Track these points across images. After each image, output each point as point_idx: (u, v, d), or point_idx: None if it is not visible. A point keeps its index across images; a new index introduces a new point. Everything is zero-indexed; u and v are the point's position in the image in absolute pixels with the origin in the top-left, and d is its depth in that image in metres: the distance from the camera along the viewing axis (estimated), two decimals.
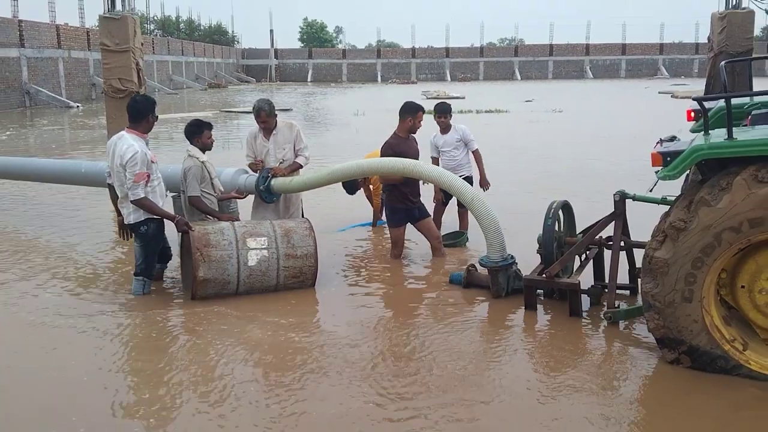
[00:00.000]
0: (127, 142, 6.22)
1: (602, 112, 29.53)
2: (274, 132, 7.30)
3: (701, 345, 4.60)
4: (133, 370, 4.94)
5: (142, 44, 11.18)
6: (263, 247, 6.29)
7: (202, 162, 6.83)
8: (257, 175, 7.21)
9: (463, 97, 37.66)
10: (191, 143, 7.05)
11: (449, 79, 69.14)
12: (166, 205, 6.66)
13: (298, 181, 7.28)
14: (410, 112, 7.47)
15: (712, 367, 4.60)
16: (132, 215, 6.29)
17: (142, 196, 6.14)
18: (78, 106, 35.98)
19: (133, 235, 6.48)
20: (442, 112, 8.35)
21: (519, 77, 69.44)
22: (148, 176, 6.21)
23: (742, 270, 4.58)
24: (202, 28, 76.50)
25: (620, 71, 70.36)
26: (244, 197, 7.42)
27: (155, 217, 6.29)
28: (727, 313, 4.71)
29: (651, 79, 63.56)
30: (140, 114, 6.37)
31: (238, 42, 79.13)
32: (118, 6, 11.71)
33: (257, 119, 7.26)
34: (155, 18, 71.37)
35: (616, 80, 65.72)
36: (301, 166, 7.38)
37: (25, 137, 23.04)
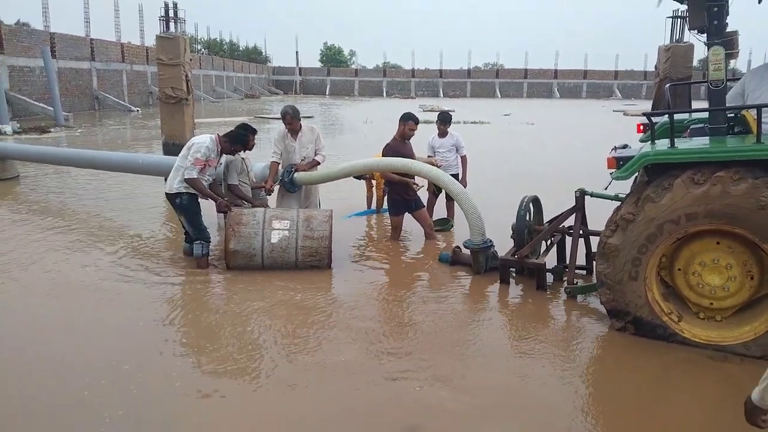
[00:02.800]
0: (207, 138, 6.32)
1: (567, 125, 29.34)
2: (299, 134, 7.27)
3: (644, 316, 4.59)
4: (178, 322, 4.95)
5: (190, 60, 11.13)
6: (285, 228, 6.27)
7: (242, 158, 6.88)
8: (282, 169, 7.20)
9: (453, 111, 37.27)
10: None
11: (442, 95, 68.71)
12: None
13: (317, 175, 7.26)
14: (402, 120, 7.46)
15: (652, 335, 4.59)
16: (175, 185, 6.23)
17: (196, 177, 6.14)
18: (138, 110, 35.81)
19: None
20: (444, 120, 8.34)
21: (499, 95, 68.95)
22: (205, 166, 6.21)
23: (679, 256, 4.55)
24: (240, 48, 76.13)
25: (582, 92, 69.86)
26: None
27: (191, 192, 6.21)
28: (666, 290, 4.69)
29: (607, 99, 63.18)
30: (234, 138, 6.46)
31: (270, 61, 78.63)
32: (172, 28, 11.65)
33: (284, 121, 7.21)
34: (202, 39, 71.15)
35: (579, 100, 65.28)
36: (319, 163, 7.34)
37: (94, 134, 22.95)
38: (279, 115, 7.70)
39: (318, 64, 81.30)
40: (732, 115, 4.98)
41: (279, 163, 7.24)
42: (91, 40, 36.76)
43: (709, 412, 3.75)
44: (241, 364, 4.22)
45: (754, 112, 4.41)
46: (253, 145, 6.97)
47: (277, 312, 5.17)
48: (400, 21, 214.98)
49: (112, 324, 4.88)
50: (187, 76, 10.66)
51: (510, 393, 3.91)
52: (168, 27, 11.51)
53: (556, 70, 71.96)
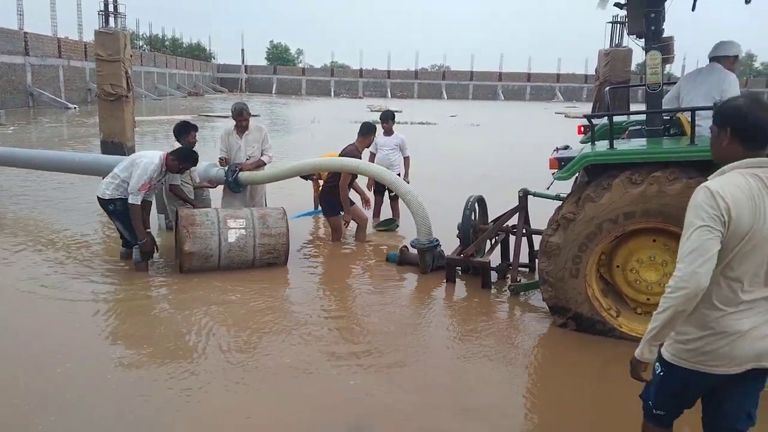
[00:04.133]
0: (156, 158, 5.94)
1: (510, 127, 29.93)
2: (246, 132, 7.13)
3: (584, 312, 4.70)
4: (118, 327, 4.77)
5: (131, 56, 10.79)
6: (242, 227, 6.15)
7: None
8: (226, 168, 7.04)
9: (401, 111, 37.52)
10: (178, 141, 6.86)
11: (390, 96, 68.94)
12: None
13: (263, 175, 7.13)
14: (364, 133, 7.41)
15: (592, 330, 4.71)
16: (108, 191, 5.95)
17: (138, 204, 5.83)
18: (75, 108, 34.46)
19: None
20: (386, 118, 8.40)
21: (446, 97, 69.64)
22: (149, 188, 5.95)
23: (618, 253, 4.68)
24: (184, 45, 74.32)
25: (526, 95, 71.34)
26: (215, 187, 7.25)
27: (125, 197, 5.90)
28: (605, 287, 4.82)
29: (549, 102, 64.72)
30: (183, 156, 6.08)
31: (214, 58, 77.00)
32: (111, 23, 11.28)
33: (239, 118, 7.03)
34: (144, 36, 69.04)
35: (522, 102, 66.67)
36: (265, 164, 7.22)
37: (28, 132, 21.95)
38: (224, 114, 7.56)
39: (264, 62, 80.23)
40: (668, 117, 5.17)
41: (226, 160, 7.08)
42: (25, 33, 35.12)
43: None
44: (187, 365, 4.09)
45: (688, 114, 4.59)
46: (195, 142, 6.81)
47: (227, 312, 5.05)
48: (347, 21, 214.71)
49: (47, 329, 4.66)
50: (127, 72, 10.33)
51: (455, 389, 3.94)
52: (107, 22, 11.13)
53: (500, 73, 73.24)
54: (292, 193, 9.51)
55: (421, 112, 37.97)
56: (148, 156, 5.99)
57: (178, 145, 6.82)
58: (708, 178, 2.26)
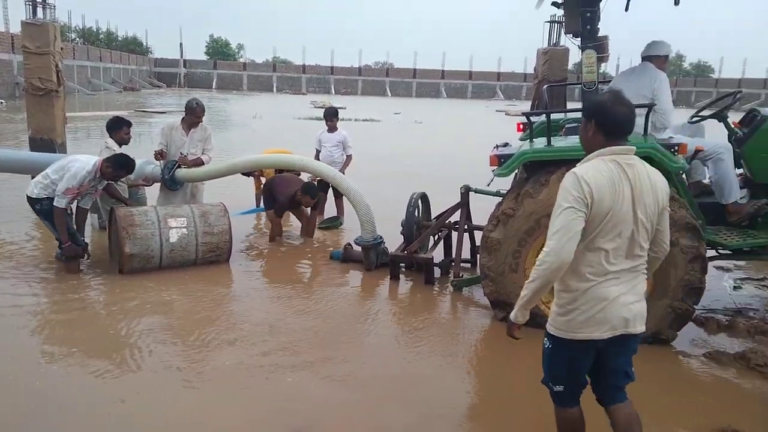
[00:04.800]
0: (89, 164, 5.67)
1: (452, 124, 30.30)
2: (194, 129, 6.94)
3: None
4: (52, 330, 4.57)
5: (62, 49, 10.32)
6: (183, 226, 6.00)
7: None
8: (162, 165, 6.83)
9: (345, 108, 37.41)
10: (110, 137, 6.61)
11: (333, 92, 68.63)
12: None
13: (201, 171, 6.94)
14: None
15: (532, 323, 4.76)
16: (36, 190, 5.69)
17: (64, 207, 5.57)
18: (2, 103, 32.78)
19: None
20: (329, 115, 8.39)
21: (390, 94, 69.82)
22: (77, 194, 5.70)
23: None
24: (119, 39, 71.74)
25: (467, 93, 72.29)
26: (151, 185, 7.02)
27: (52, 198, 5.62)
28: None
29: (490, 100, 65.83)
30: (119, 164, 5.79)
31: (151, 52, 74.67)
32: (40, 14, 10.76)
33: (193, 114, 6.84)
34: (77, 28, 66.28)
35: (464, 100, 67.59)
36: (203, 163, 7.05)
37: None
38: (161, 110, 7.35)
39: (204, 57, 78.39)
40: None
41: (163, 154, 6.81)
42: None
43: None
44: (121, 370, 3.96)
45: None
46: (129, 139, 6.60)
47: (165, 314, 4.91)
48: (290, 17, 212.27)
49: None
50: (57, 66, 9.86)
51: (400, 385, 3.97)
52: (35, 13, 10.59)
53: (443, 71, 74.02)
54: (230, 191, 9.34)
55: (366, 109, 37.98)
56: (82, 161, 5.74)
57: (111, 141, 6.58)
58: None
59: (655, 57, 5.22)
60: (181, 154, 6.78)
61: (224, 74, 71.30)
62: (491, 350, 4.67)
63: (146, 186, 7.08)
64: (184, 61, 71.08)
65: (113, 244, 6.15)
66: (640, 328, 2.62)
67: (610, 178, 2.50)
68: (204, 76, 70.43)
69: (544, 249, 2.52)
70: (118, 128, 6.66)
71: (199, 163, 6.94)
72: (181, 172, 6.80)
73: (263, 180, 8.77)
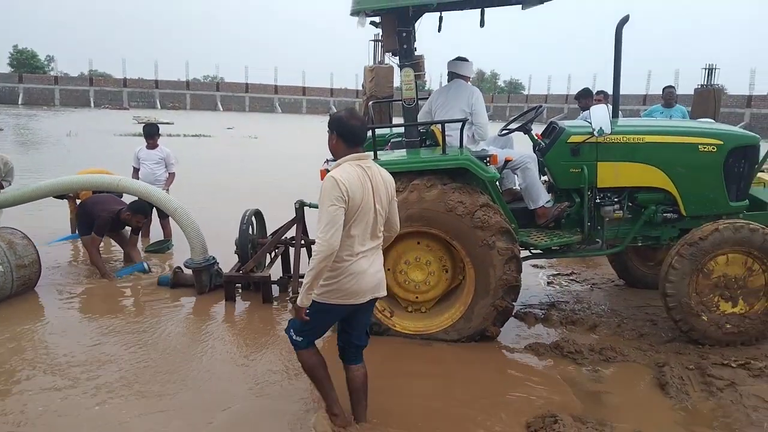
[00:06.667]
0: None
1: (288, 139, 30.24)
2: None
3: None
4: None
5: None
6: (1, 262, 5.36)
7: None
8: None
9: (173, 123, 35.75)
10: None
11: (159, 107, 65.25)
12: None
13: (5, 197, 6.25)
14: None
15: (371, 331, 4.92)
16: None
17: None
18: None
19: None
20: (150, 134, 7.99)
21: (221, 108, 67.97)
22: None
23: (388, 256, 4.95)
24: None
25: (302, 108, 72.59)
26: None
27: None
28: None
29: (325, 114, 66.75)
30: None
31: None
32: None
33: None
34: None
35: (299, 115, 67.86)
36: (2, 187, 6.33)
37: None
38: None
39: (7, 69, 70.53)
40: (424, 130, 5.65)
41: None
42: None
43: (426, 395, 4.17)
44: None
45: (440, 126, 5.07)
46: None
47: None
48: (105, 28, 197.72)
49: None
50: None
51: (241, 412, 3.85)
52: None
53: (276, 86, 73.71)
54: (38, 216, 8.50)
55: (196, 124, 36.62)
56: None
57: None
58: (329, 169, 3.29)
59: (464, 76, 5.65)
60: None
61: (32, 88, 64.67)
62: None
63: None
64: None
65: None
66: (382, 292, 3.40)
67: (358, 179, 3.16)
68: (8, 91, 63.28)
69: (317, 242, 3.06)
70: None
71: None
72: None
73: (78, 202, 8.07)
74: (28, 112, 47.95)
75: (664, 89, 8.92)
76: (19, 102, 61.78)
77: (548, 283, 6.85)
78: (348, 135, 3.27)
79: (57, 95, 64.90)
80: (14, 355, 4.51)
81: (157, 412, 3.78)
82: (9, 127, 31.08)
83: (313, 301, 3.21)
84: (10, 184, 6.43)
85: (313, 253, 3.10)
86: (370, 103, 7.37)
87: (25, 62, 73.14)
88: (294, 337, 3.42)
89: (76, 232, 8.14)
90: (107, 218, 6.50)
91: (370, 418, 3.61)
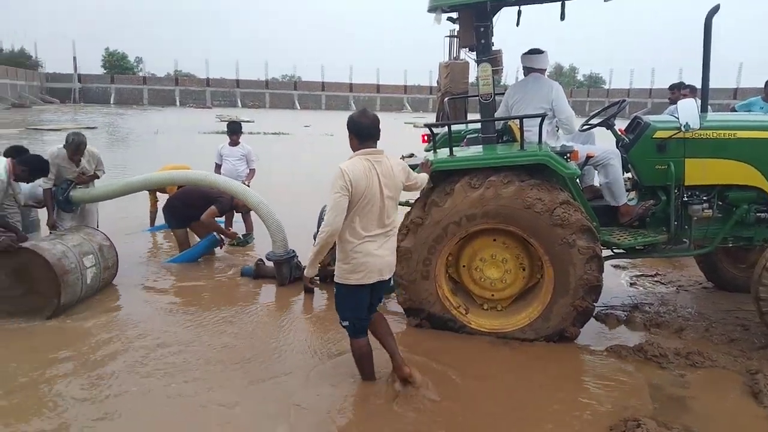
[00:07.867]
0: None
1: None
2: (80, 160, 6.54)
3: (436, 312, 4.92)
4: None
5: None
6: (93, 264, 5.72)
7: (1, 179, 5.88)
8: (55, 187, 6.41)
9: (253, 121, 36.86)
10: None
11: (240, 105, 67.42)
12: None
13: (97, 192, 6.64)
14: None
15: (445, 327, 4.94)
16: None
17: None
18: None
19: None
20: (233, 131, 8.33)
21: (299, 107, 69.52)
22: None
23: (463, 254, 4.97)
24: (3, 51, 67.14)
25: (376, 106, 72.98)
26: (42, 206, 6.58)
27: None
28: (454, 286, 5.08)
29: (399, 112, 66.97)
30: (35, 166, 5.70)
31: (42, 66, 70.37)
32: None
33: (76, 152, 6.33)
34: None
35: (374, 112, 68.37)
36: (98, 177, 6.74)
37: None
38: (56, 127, 6.95)
39: (100, 71, 74.81)
40: (500, 125, 5.58)
41: (52, 190, 6.39)
42: None
43: (505, 396, 4.13)
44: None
45: (518, 122, 4.98)
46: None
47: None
48: (191, 29, 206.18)
49: None
50: None
51: (327, 401, 3.94)
52: None
53: (351, 84, 74.55)
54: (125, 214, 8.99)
55: (275, 123, 37.60)
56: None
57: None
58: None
59: (540, 69, 5.50)
60: (68, 182, 6.42)
61: (123, 89, 68.45)
62: (410, 350, 4.72)
63: (38, 208, 6.66)
64: (79, 75, 67.63)
65: (24, 287, 5.28)
66: (388, 275, 3.83)
67: (364, 170, 3.57)
68: (101, 91, 67.28)
69: (324, 222, 3.54)
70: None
71: (93, 177, 6.64)
72: (77, 193, 6.47)
73: (158, 196, 8.47)
74: (118, 111, 50.77)
75: (766, 82, 8.37)
76: (111, 102, 65.46)
77: (631, 284, 6.61)
78: (358, 132, 3.69)
79: (145, 95, 68.33)
80: (110, 343, 4.82)
81: (234, 398, 3.93)
82: (102, 125, 33.01)
83: (338, 284, 3.75)
84: (103, 173, 6.82)
85: (319, 232, 3.58)
86: (446, 99, 7.32)
87: (116, 64, 77.31)
88: (342, 323, 3.85)
89: (154, 225, 8.53)
90: (229, 198, 6.96)
91: (437, 428, 3.59)
